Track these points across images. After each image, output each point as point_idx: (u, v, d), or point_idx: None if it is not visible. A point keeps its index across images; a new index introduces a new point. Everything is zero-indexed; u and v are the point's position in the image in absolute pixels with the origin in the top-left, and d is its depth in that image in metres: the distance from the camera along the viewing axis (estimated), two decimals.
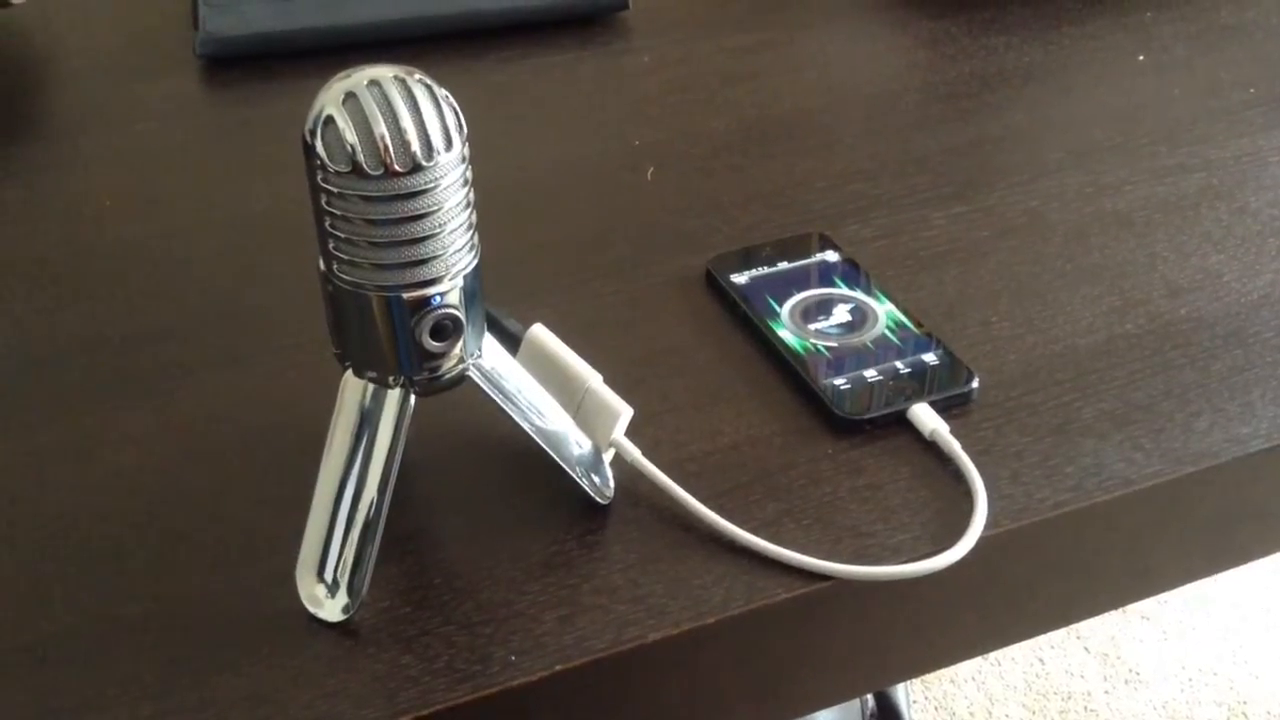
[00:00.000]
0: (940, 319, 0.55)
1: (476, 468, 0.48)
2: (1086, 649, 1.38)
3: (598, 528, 0.45)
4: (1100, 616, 1.43)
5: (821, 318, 0.54)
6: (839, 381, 0.50)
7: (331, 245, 0.38)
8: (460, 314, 0.40)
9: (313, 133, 0.37)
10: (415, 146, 0.36)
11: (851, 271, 0.57)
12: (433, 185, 0.37)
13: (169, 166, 0.67)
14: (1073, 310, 0.55)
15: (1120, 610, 1.44)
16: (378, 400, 0.41)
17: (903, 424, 0.49)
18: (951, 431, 0.48)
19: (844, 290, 0.55)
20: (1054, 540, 0.46)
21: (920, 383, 0.50)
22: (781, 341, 0.53)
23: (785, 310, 0.54)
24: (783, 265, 0.57)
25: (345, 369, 0.41)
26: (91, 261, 0.60)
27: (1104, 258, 0.58)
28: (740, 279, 0.56)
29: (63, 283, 0.58)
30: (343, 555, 0.41)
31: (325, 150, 0.36)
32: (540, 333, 0.48)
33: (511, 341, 0.49)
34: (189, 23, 0.80)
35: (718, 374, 0.52)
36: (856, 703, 0.84)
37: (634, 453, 0.46)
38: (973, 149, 0.67)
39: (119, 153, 0.69)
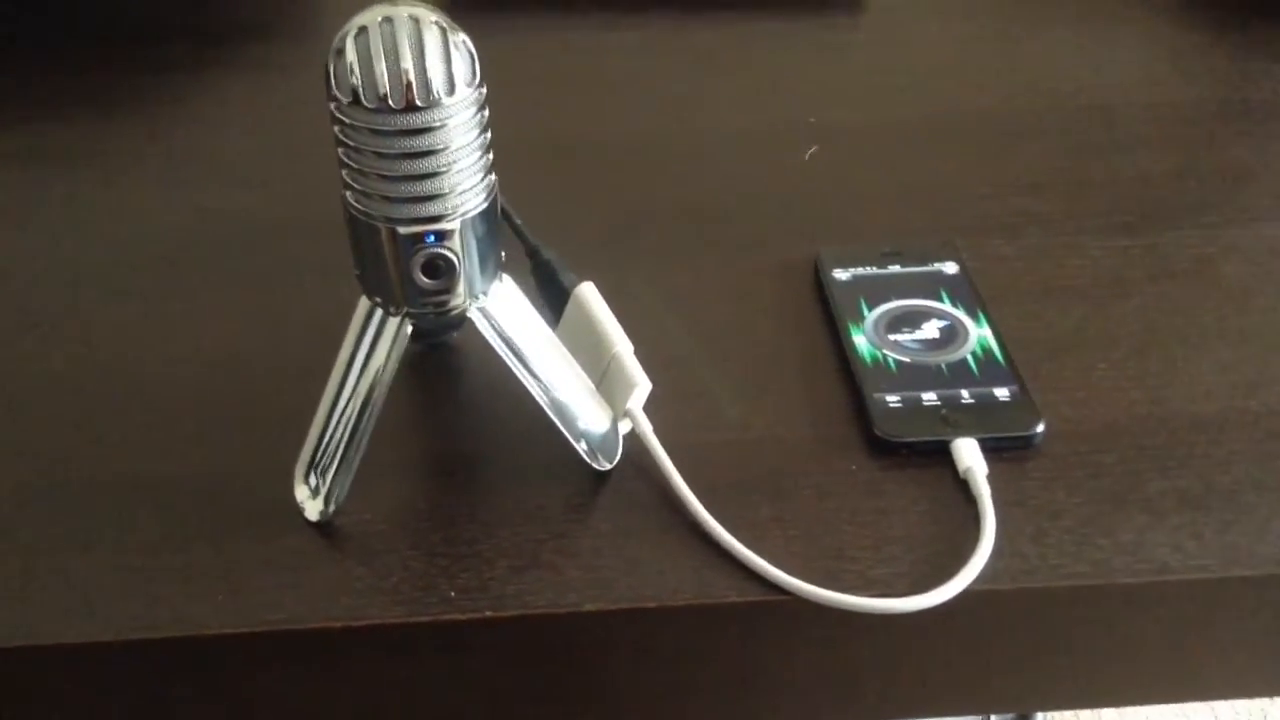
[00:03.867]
0: (1040, 355, 0.50)
1: (504, 411, 0.49)
2: None
3: (587, 492, 0.45)
4: None
5: (907, 330, 0.51)
6: (891, 399, 0.48)
7: (344, 173, 0.40)
8: (455, 255, 0.40)
9: (329, 61, 0.38)
10: (414, 87, 0.37)
11: (962, 288, 0.53)
12: (433, 126, 0.38)
13: None
14: (1196, 373, 0.49)
15: None
16: (379, 325, 0.43)
17: (947, 456, 0.46)
18: (994, 475, 0.45)
19: (944, 305, 0.52)
20: (1060, 613, 0.42)
21: (977, 417, 0.47)
22: (853, 346, 0.50)
23: (872, 315, 0.52)
24: (893, 268, 0.54)
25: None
26: (271, 158, 0.65)
27: (1261, 323, 0.52)
28: (843, 275, 0.54)
29: (240, 175, 0.64)
30: (326, 462, 0.43)
31: (335, 80, 0.38)
32: (586, 291, 0.49)
33: (564, 296, 0.50)
34: None
35: (780, 366, 0.50)
36: None
37: (644, 427, 0.46)
38: (1168, 180, 0.61)
39: None
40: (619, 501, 0.45)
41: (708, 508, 0.44)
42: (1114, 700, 0.45)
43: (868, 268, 0.54)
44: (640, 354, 0.48)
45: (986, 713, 0.44)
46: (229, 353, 0.52)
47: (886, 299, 0.53)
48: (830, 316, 0.53)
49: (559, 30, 0.77)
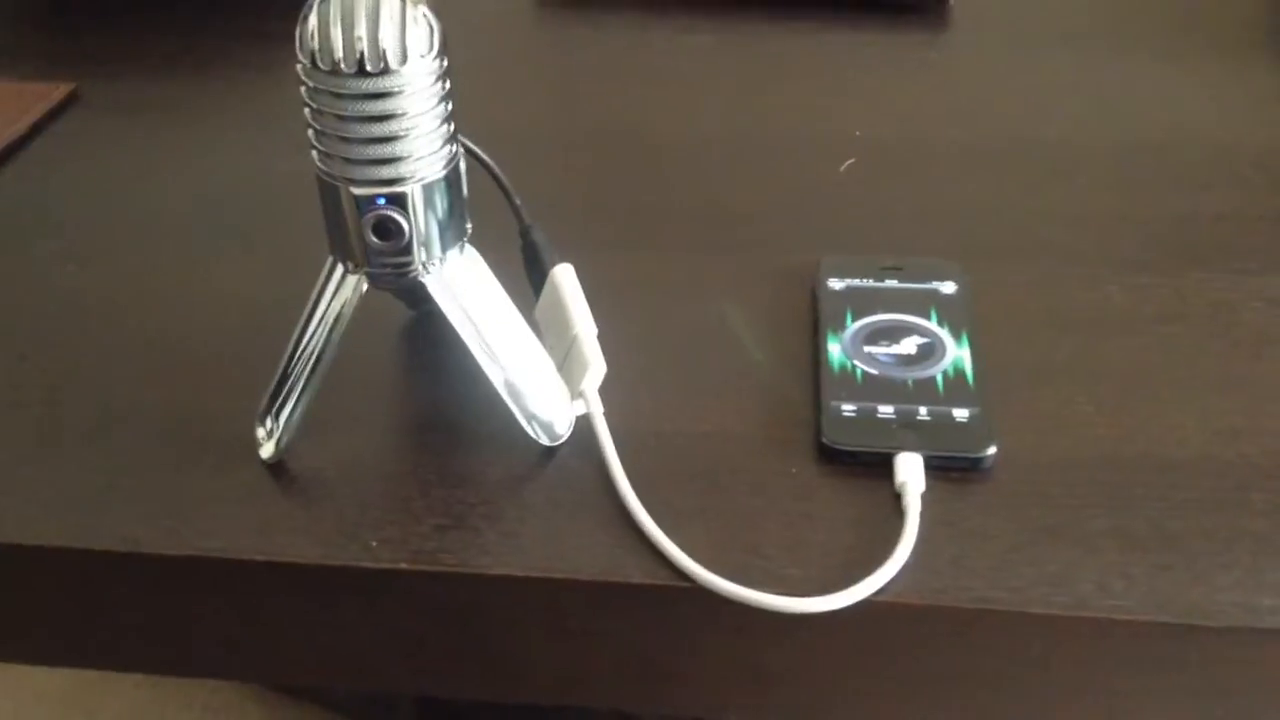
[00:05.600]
0: (1019, 382, 0.49)
1: (471, 380, 0.50)
2: None
3: (529, 465, 0.46)
4: None
5: (885, 343, 0.50)
6: (846, 408, 0.47)
7: (309, 133, 0.43)
8: (403, 219, 0.42)
9: (298, 25, 0.41)
10: (366, 54, 0.39)
11: (954, 308, 0.52)
12: (386, 92, 0.40)
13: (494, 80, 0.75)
14: (1180, 417, 0.47)
15: None
16: (339, 281, 0.45)
17: (891, 469, 0.46)
18: (934, 494, 0.44)
19: (929, 323, 0.51)
20: (962, 635, 0.41)
21: (928, 435, 0.46)
22: (826, 354, 0.50)
23: (853, 327, 0.51)
24: (890, 283, 0.54)
25: None
26: None
27: (1267, 372, 0.49)
28: (837, 285, 0.54)
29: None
30: (279, 407, 0.46)
31: (298, 43, 0.40)
32: (561, 273, 0.50)
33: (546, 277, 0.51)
34: None
35: (753, 366, 0.51)
36: None
37: (594, 409, 0.47)
38: (1211, 223, 0.58)
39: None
40: (556, 477, 0.46)
41: (641, 493, 0.44)
42: None
43: (864, 280, 0.54)
44: (616, 340, 0.49)
45: None
46: (246, 302, 0.55)
47: (873, 311, 0.52)
48: (812, 323, 0.53)
49: (640, 30, 0.78)
